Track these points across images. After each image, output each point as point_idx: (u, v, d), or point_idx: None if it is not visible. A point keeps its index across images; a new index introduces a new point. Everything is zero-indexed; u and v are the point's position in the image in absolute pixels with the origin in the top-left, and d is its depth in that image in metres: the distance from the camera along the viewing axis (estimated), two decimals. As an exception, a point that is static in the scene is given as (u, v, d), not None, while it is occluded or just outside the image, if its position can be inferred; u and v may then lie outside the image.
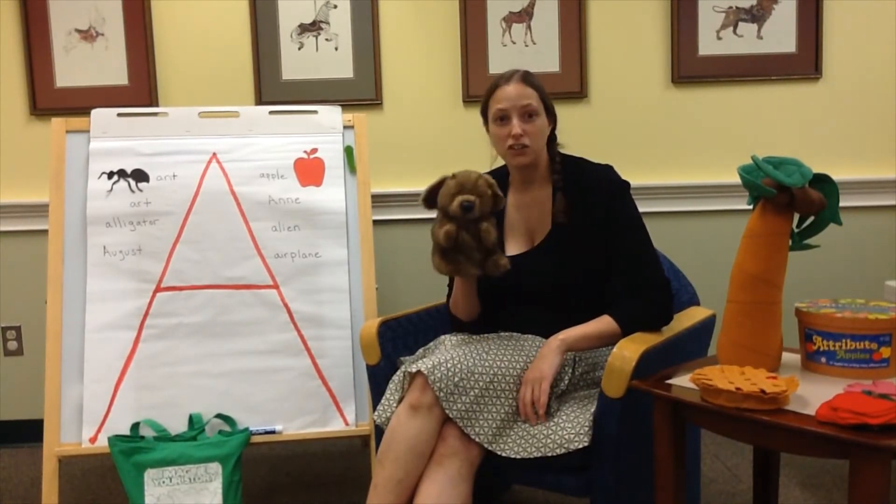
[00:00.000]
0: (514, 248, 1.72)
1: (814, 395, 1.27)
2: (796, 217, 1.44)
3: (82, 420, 1.97)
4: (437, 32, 2.60)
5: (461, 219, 1.49)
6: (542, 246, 1.68)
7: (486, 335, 1.64)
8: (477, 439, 1.42)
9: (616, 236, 1.62)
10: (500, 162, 1.77)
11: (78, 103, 2.56)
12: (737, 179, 2.62)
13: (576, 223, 1.65)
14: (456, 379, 1.43)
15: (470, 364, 1.46)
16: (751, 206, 1.45)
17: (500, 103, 1.63)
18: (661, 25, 2.59)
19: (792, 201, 1.38)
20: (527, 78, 1.65)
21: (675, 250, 2.57)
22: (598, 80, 2.61)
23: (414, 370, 1.46)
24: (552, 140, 1.72)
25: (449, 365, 1.44)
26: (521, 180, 1.72)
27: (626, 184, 1.67)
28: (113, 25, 2.56)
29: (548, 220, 1.69)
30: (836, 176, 1.44)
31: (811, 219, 1.45)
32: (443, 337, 1.71)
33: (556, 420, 1.44)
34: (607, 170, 1.69)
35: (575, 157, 1.74)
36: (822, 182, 1.41)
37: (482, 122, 1.74)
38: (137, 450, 1.88)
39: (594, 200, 1.64)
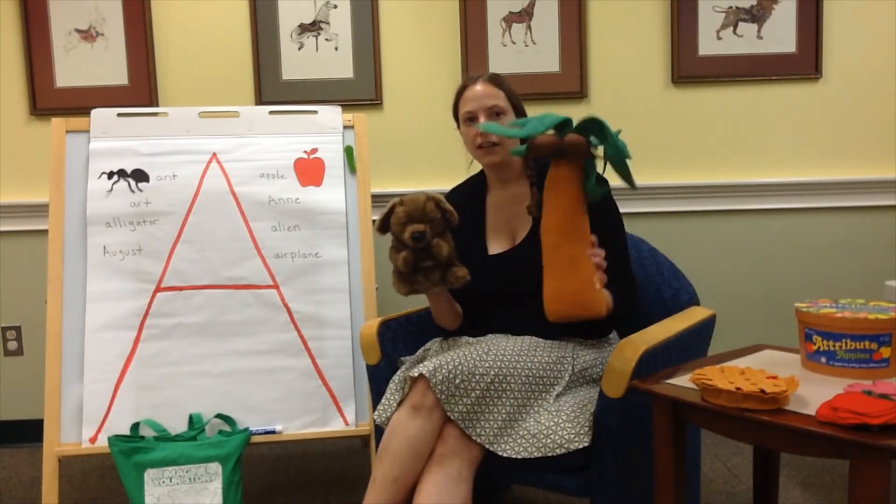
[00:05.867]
0: (496, 247, 1.73)
1: (814, 395, 1.27)
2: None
3: (82, 420, 1.97)
4: (437, 32, 2.60)
5: (414, 246, 1.51)
6: (524, 243, 1.69)
7: (482, 337, 1.64)
8: (478, 440, 1.42)
9: (601, 232, 1.63)
10: (477, 166, 1.79)
11: (78, 103, 2.56)
12: (737, 179, 2.63)
13: None
14: (457, 381, 1.43)
15: (471, 365, 1.46)
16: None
17: (468, 104, 1.69)
18: (661, 25, 2.59)
19: (560, 151, 1.37)
20: (494, 79, 1.70)
21: (675, 250, 2.58)
22: (598, 80, 2.61)
23: (416, 374, 1.45)
24: None
25: (450, 367, 1.44)
26: (498, 179, 1.76)
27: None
28: (113, 25, 2.56)
29: (528, 216, 1.70)
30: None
31: (603, 165, 1.43)
32: (440, 339, 1.72)
33: (556, 420, 1.44)
34: None
35: None
36: (587, 127, 1.38)
37: (455, 126, 1.77)
38: (137, 450, 1.88)
39: None
